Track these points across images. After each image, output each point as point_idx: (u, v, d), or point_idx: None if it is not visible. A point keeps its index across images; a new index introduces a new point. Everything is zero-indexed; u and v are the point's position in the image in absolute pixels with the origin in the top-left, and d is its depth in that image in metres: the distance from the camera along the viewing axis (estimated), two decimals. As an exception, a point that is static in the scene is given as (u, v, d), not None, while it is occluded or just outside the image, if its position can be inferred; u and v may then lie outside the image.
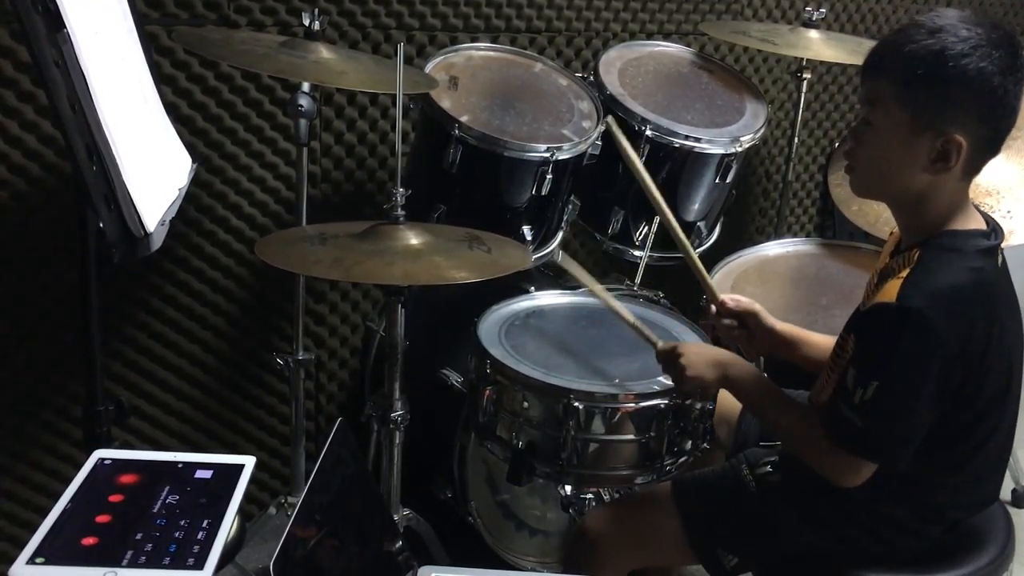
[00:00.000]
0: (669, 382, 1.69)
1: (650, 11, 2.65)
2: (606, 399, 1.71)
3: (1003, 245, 1.42)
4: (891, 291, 1.32)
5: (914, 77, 1.32)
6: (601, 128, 2.13)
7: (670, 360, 1.62)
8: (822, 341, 1.70)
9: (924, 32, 1.31)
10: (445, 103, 2.03)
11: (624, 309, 1.77)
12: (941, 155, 1.34)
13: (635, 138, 2.19)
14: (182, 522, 1.03)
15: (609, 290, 2.08)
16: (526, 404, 1.73)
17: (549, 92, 2.24)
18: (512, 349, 1.81)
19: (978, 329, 1.34)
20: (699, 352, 1.61)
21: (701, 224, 2.38)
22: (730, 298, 1.78)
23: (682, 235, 1.83)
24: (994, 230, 1.42)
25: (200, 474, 1.12)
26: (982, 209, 1.47)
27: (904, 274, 1.34)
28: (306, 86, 1.85)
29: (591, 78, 2.31)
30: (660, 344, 1.69)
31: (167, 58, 2.03)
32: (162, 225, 1.44)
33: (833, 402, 1.41)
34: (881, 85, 1.37)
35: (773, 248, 2.46)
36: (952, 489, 1.47)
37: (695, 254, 1.85)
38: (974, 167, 1.38)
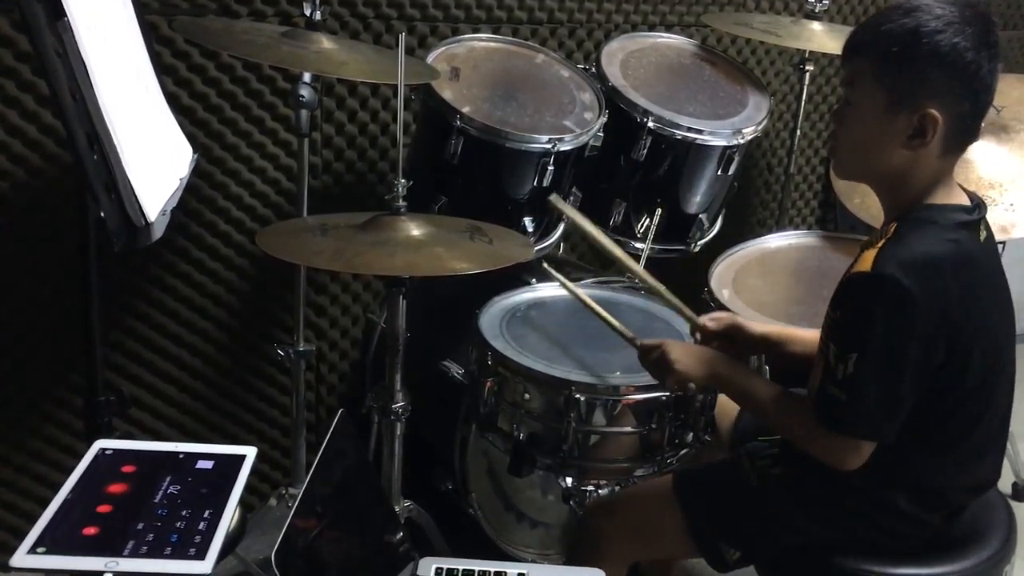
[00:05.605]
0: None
1: (652, 2, 2.64)
2: (607, 391, 1.70)
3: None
4: (866, 261, 1.34)
5: (890, 54, 1.35)
6: (603, 119, 2.12)
7: (654, 358, 1.60)
8: (811, 335, 1.69)
9: (900, 12, 1.36)
10: (447, 94, 2.02)
11: (603, 311, 1.76)
12: (918, 131, 1.36)
13: (637, 130, 2.18)
14: (183, 512, 1.03)
15: (610, 282, 2.07)
16: (527, 396, 1.73)
17: (551, 83, 2.23)
18: (513, 341, 1.81)
19: (955, 299, 1.34)
20: (685, 350, 1.60)
21: (703, 216, 2.37)
22: (709, 319, 1.76)
23: (655, 281, 1.81)
24: (977, 206, 1.44)
25: (201, 464, 1.12)
26: (969, 189, 1.48)
27: (880, 244, 1.36)
28: (307, 76, 1.84)
29: (593, 69, 2.30)
30: (640, 341, 1.66)
31: (168, 48, 2.02)
32: (163, 215, 1.44)
33: (820, 383, 1.41)
34: (859, 64, 1.40)
35: (775, 240, 2.46)
36: (949, 470, 1.47)
37: (667, 293, 1.82)
38: (954, 144, 1.39)
